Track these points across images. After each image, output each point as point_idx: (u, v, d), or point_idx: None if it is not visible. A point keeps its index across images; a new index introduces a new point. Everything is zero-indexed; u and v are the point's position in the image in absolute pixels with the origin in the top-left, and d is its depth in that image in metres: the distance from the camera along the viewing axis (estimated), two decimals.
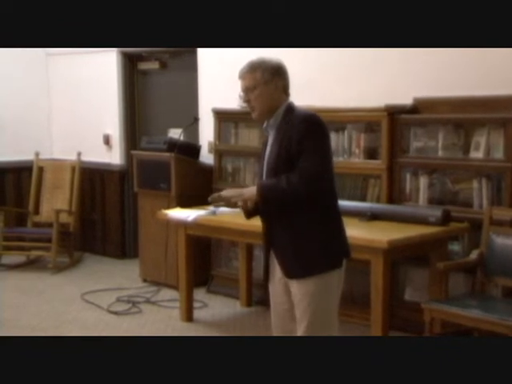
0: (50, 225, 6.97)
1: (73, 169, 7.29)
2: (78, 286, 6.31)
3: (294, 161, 3.09)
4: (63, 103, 7.75)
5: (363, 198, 5.09)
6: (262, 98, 3.19)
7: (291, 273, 3.19)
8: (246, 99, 3.23)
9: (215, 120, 6.03)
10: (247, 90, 3.21)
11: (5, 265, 7.00)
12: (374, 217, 4.69)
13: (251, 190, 3.19)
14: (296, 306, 3.22)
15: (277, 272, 3.28)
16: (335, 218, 3.27)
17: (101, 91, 7.31)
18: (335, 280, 3.20)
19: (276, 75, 3.22)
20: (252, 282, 5.66)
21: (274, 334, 3.40)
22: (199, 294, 5.85)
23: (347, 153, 5.15)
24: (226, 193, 3.27)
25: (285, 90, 3.26)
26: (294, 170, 3.07)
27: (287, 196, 3.10)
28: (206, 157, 6.26)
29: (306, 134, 3.09)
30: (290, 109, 3.23)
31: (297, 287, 3.18)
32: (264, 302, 5.58)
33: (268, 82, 3.19)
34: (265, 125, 3.30)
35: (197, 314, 5.42)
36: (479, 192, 4.57)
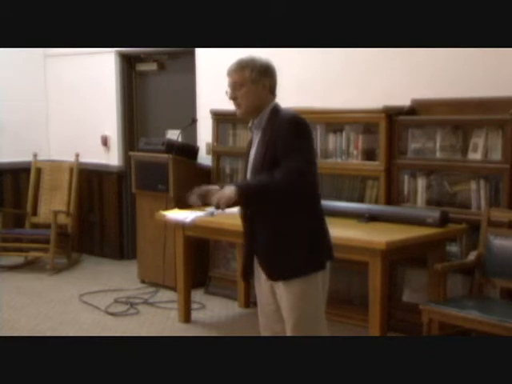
0: (47, 226, 6.97)
1: (71, 170, 7.28)
2: (76, 287, 6.31)
3: (278, 161, 3.09)
4: (61, 104, 7.74)
5: (361, 200, 5.09)
6: (248, 97, 3.20)
7: (274, 275, 3.20)
8: (233, 96, 3.23)
9: (213, 121, 6.04)
10: (234, 87, 3.22)
11: (3, 266, 6.99)
12: (372, 218, 4.69)
13: (230, 190, 3.09)
14: (282, 308, 3.23)
15: (262, 274, 3.30)
16: (319, 220, 3.25)
17: (99, 92, 7.31)
18: (319, 281, 3.21)
19: (264, 75, 3.22)
20: (250, 283, 5.64)
21: (262, 335, 3.41)
22: (197, 296, 5.85)
23: (345, 154, 5.15)
24: (202, 191, 3.20)
25: (272, 90, 3.26)
26: (277, 169, 3.07)
27: (268, 190, 3.07)
28: (204, 158, 6.26)
29: (291, 135, 3.09)
30: (276, 110, 3.23)
31: (282, 289, 3.19)
32: None
33: (256, 81, 3.20)
34: (250, 124, 3.31)
35: (195, 315, 5.42)
36: (477, 193, 4.57)
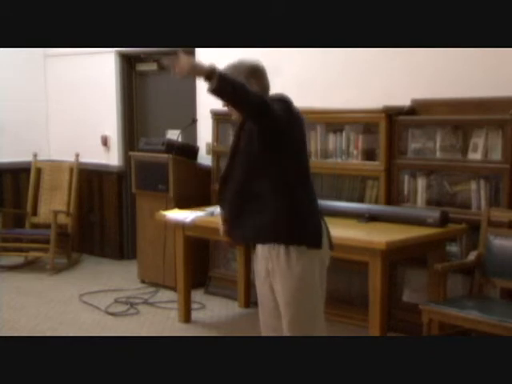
0: (47, 226, 6.97)
1: (71, 170, 7.28)
2: (76, 287, 6.31)
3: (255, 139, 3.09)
4: (61, 104, 7.74)
5: (361, 200, 5.09)
6: None
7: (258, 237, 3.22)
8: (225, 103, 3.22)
9: (213, 121, 6.03)
10: None
11: (3, 266, 6.99)
12: (372, 218, 4.69)
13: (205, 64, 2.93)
14: (279, 303, 3.25)
15: (262, 271, 3.32)
16: (310, 201, 3.25)
17: (99, 92, 7.31)
18: (317, 274, 3.22)
19: (252, 77, 3.21)
20: (250, 283, 5.65)
21: (262, 333, 3.43)
22: (197, 296, 5.85)
23: (345, 154, 5.15)
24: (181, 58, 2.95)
25: (264, 90, 3.25)
26: None
27: (239, 88, 2.95)
28: (204, 158, 6.26)
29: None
30: None
31: (280, 284, 3.20)
32: None
33: None
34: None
35: (195, 315, 5.42)
36: (477, 193, 4.57)
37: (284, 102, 3.16)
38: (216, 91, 2.91)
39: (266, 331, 3.41)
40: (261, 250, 3.30)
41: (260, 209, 3.16)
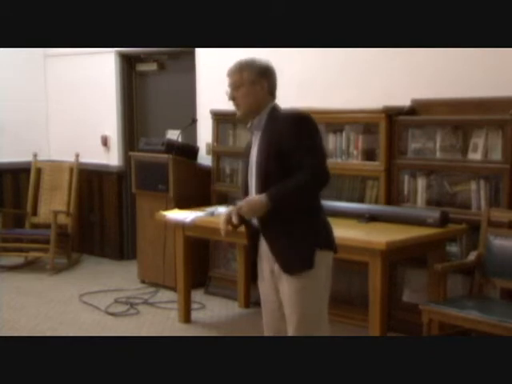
0: (47, 226, 6.97)
1: (71, 170, 7.28)
2: (76, 287, 6.31)
3: (285, 158, 3.11)
4: (61, 104, 7.74)
5: (361, 200, 5.09)
6: (246, 98, 3.23)
7: (288, 267, 3.19)
8: (232, 96, 3.27)
9: (213, 121, 6.03)
10: (233, 88, 3.25)
11: (3, 266, 6.99)
12: (372, 218, 4.69)
13: (259, 201, 3.13)
14: (284, 305, 3.24)
15: (266, 271, 3.31)
16: (321, 210, 3.30)
17: (99, 93, 7.31)
18: (324, 275, 3.22)
19: (263, 76, 3.25)
20: (250, 283, 5.65)
21: (265, 333, 3.42)
22: (197, 296, 5.85)
23: (345, 154, 5.15)
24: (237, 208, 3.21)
25: (271, 91, 3.28)
26: (300, 169, 3.08)
27: (297, 192, 3.12)
28: (204, 158, 6.26)
29: (303, 132, 3.13)
30: (275, 110, 3.26)
31: (286, 284, 3.19)
32: None
33: (254, 83, 3.22)
34: (249, 125, 3.32)
35: (195, 315, 5.42)
36: (477, 193, 4.57)
37: (317, 129, 3.21)
38: (278, 210, 3.12)
39: (268, 332, 3.40)
40: (266, 250, 3.29)
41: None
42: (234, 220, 3.18)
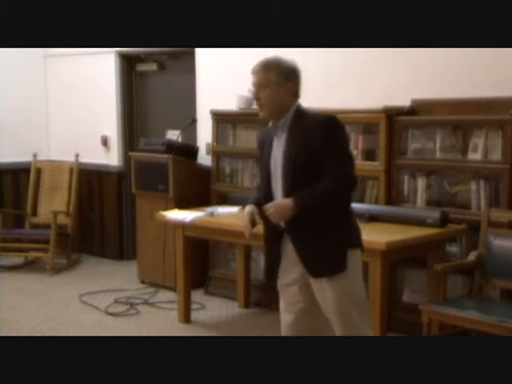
0: (47, 226, 6.97)
1: (71, 170, 7.28)
2: (76, 287, 6.31)
3: (314, 161, 3.12)
4: (61, 104, 7.74)
5: (361, 200, 5.08)
6: (272, 99, 3.20)
7: (318, 272, 3.21)
8: (256, 96, 3.24)
9: (213, 121, 6.03)
10: (258, 88, 3.22)
11: (2, 266, 6.99)
12: (372, 218, 4.69)
13: (288, 205, 3.12)
14: (329, 306, 3.23)
15: (293, 273, 3.29)
16: (351, 213, 3.33)
17: (99, 93, 7.31)
18: (361, 273, 3.27)
19: (289, 78, 3.23)
20: (250, 283, 5.65)
21: (283, 333, 3.42)
22: (197, 296, 5.85)
23: None
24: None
25: (295, 93, 3.27)
26: (328, 174, 3.10)
27: (326, 197, 3.14)
28: (204, 158, 6.26)
29: (332, 135, 3.14)
30: (300, 110, 3.25)
31: (331, 287, 3.19)
32: (262, 303, 5.58)
33: (280, 84, 3.20)
34: (270, 125, 3.31)
35: (195, 315, 5.42)
36: (477, 194, 4.57)
37: (345, 132, 3.26)
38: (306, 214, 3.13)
39: (292, 333, 3.38)
40: (293, 253, 3.25)
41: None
42: (258, 220, 3.17)
